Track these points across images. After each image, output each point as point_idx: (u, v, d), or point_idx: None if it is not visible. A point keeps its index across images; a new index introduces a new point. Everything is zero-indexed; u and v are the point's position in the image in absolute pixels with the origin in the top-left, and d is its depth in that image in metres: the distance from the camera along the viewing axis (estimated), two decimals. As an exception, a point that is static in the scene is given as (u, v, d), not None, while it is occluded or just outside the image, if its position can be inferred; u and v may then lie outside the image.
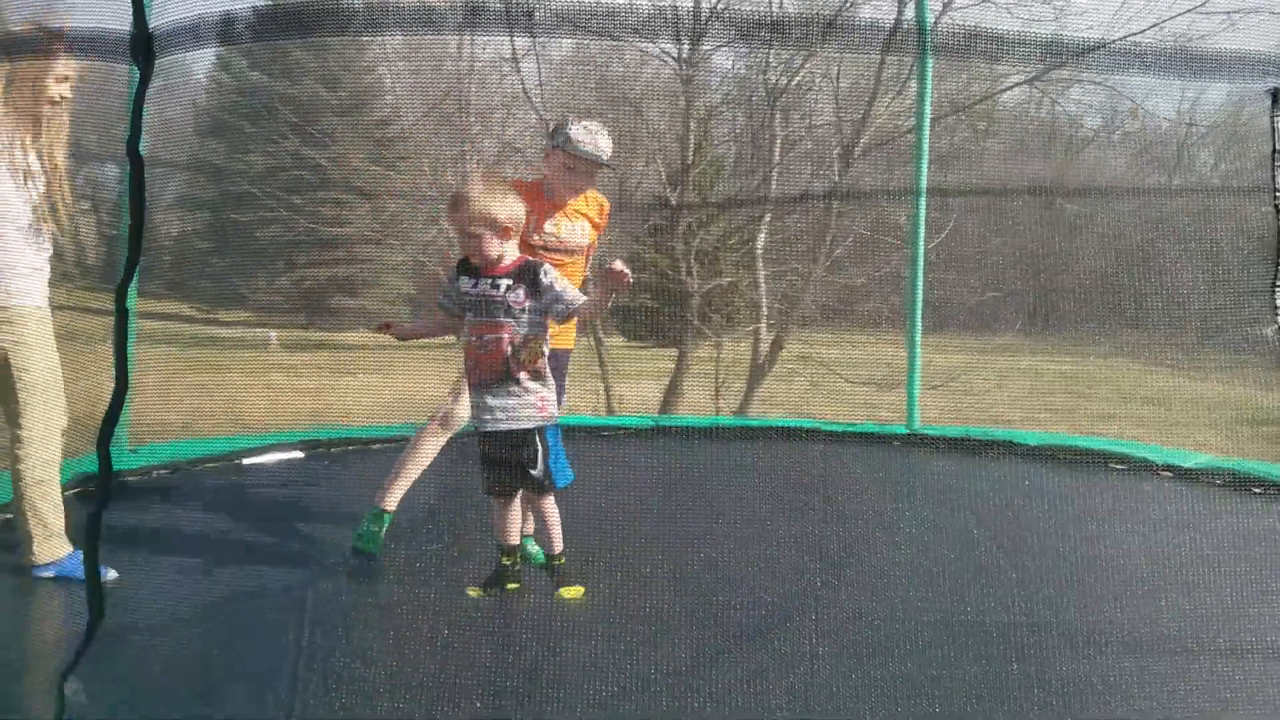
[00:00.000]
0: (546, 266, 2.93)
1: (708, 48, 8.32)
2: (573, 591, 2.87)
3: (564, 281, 2.94)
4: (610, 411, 8.65)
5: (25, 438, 2.99)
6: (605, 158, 3.62)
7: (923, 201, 5.79)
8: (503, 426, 2.80)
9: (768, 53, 8.54)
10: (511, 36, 7.96)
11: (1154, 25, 7.39)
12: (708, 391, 9.08)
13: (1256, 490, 4.14)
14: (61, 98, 3.14)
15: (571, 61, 9.55)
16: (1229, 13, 7.70)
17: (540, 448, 2.84)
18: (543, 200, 3.65)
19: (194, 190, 12.59)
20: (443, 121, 10.35)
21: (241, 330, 12.79)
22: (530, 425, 2.82)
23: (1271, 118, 2.29)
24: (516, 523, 2.90)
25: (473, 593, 2.84)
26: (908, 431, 5.56)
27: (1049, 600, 2.77)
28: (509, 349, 2.83)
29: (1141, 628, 2.57)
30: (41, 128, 3.12)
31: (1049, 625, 2.41)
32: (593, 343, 9.09)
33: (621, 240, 9.92)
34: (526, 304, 2.87)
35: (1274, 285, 2.28)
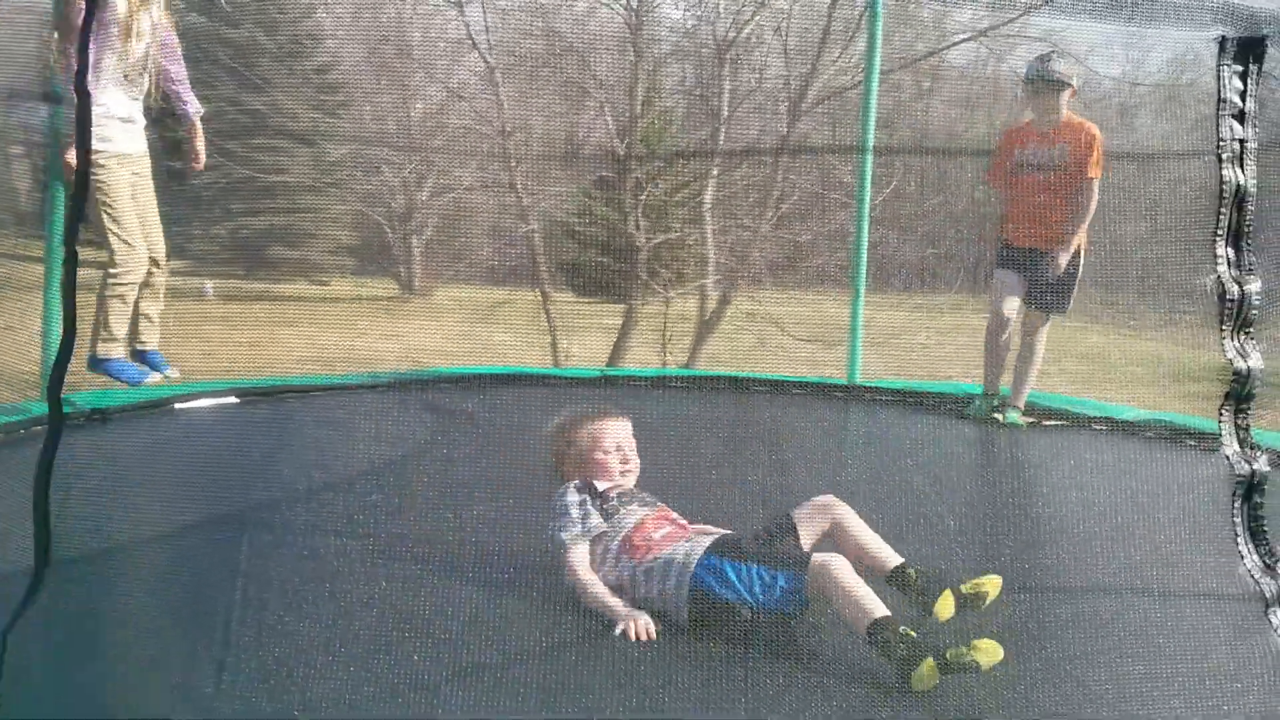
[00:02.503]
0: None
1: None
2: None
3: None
4: (557, 365, 8.64)
5: (109, 261, 3.62)
6: (1058, 77, 4.40)
7: (869, 158, 5.81)
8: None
9: (717, 3, 8.48)
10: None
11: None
12: (655, 347, 9.10)
13: (1191, 444, 4.26)
14: None
15: (518, 7, 9.39)
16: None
17: None
18: (1023, 131, 4.60)
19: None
20: (384, 67, 10.13)
21: (176, 279, 12.49)
22: None
23: (1218, 66, 2.30)
24: None
25: None
26: (848, 384, 5.62)
27: (987, 547, 2.84)
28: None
29: (1078, 575, 2.64)
30: None
31: (988, 573, 2.46)
32: (539, 297, 9.04)
33: (570, 193, 9.85)
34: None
35: (1215, 235, 2.29)
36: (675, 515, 2.62)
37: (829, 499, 2.54)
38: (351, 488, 3.30)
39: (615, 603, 2.33)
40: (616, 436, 2.69)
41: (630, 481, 2.68)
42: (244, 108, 10.35)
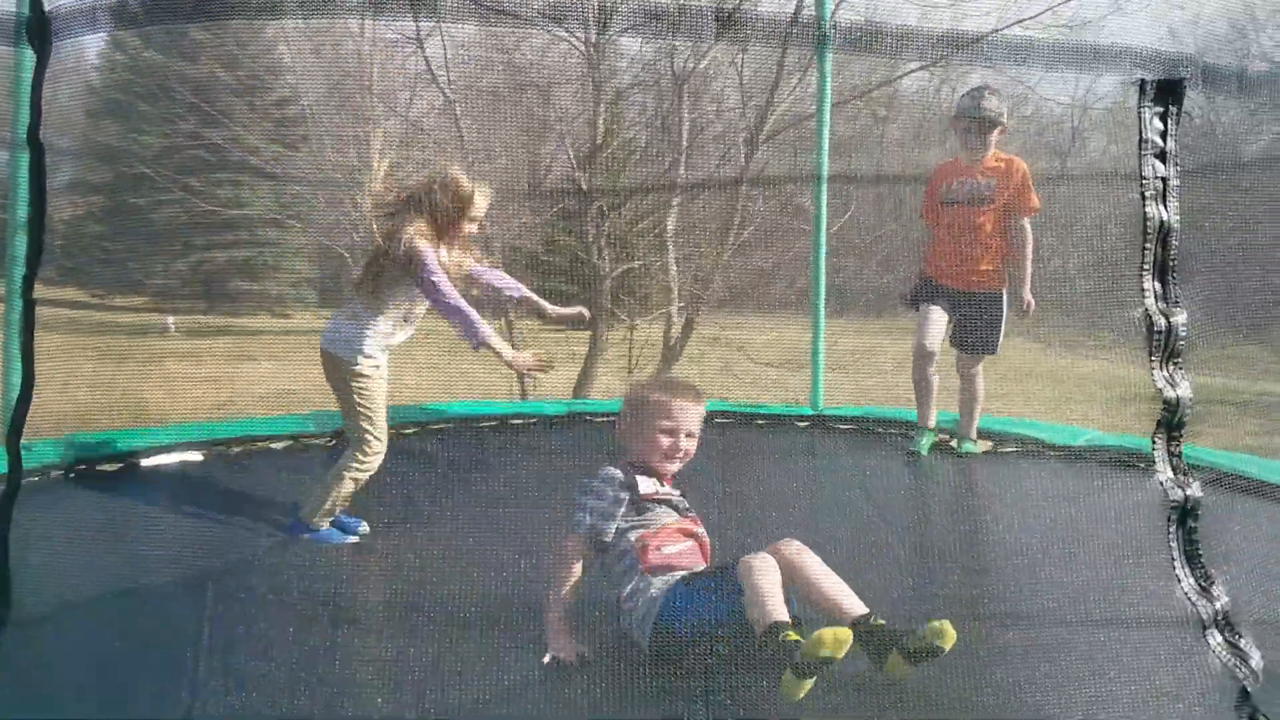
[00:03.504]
0: None
1: (614, 32, 8.33)
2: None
3: None
4: (524, 395, 8.65)
5: (361, 451, 3.60)
6: (989, 115, 4.40)
7: (824, 187, 5.91)
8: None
9: (672, 38, 8.58)
10: (416, 18, 7.85)
11: (1047, 9, 7.69)
12: (621, 375, 9.14)
13: (1140, 465, 4.33)
14: (469, 233, 3.71)
15: (478, 42, 9.45)
16: (1115, -2, 8.05)
17: None
18: (952, 167, 4.58)
19: (87, 173, 12.11)
20: (345, 101, 10.14)
21: (138, 316, 12.39)
22: None
23: (1139, 108, 2.39)
24: None
25: None
26: (813, 412, 5.70)
27: (939, 575, 2.90)
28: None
29: (1027, 601, 2.70)
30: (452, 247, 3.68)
31: (940, 599, 2.52)
32: (504, 326, 9.05)
33: (534, 225, 9.89)
34: None
35: (1141, 269, 2.37)
36: (700, 530, 2.65)
37: (785, 543, 2.50)
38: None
39: (557, 619, 2.41)
40: (681, 418, 2.66)
41: (674, 468, 2.69)
42: (204, 142, 10.32)
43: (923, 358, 4.55)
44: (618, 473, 2.60)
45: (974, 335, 4.53)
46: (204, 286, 13.76)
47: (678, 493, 2.70)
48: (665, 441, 2.64)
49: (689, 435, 2.68)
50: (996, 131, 4.49)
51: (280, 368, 9.60)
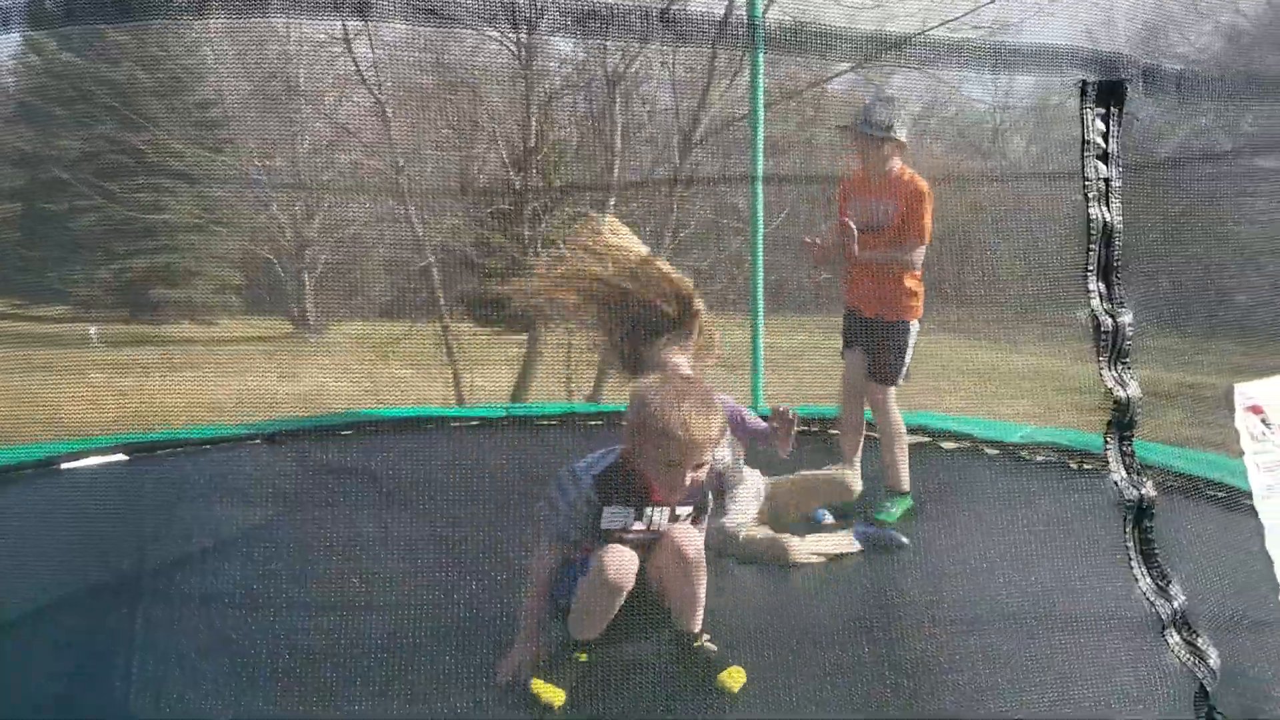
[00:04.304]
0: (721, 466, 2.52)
1: (543, 34, 8.26)
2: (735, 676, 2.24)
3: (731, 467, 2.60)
4: (460, 400, 8.55)
5: None
6: (874, 131, 3.80)
7: (759, 187, 5.92)
8: None
9: (604, 39, 8.53)
10: (344, 18, 7.70)
11: (972, 10, 7.78)
12: (559, 378, 9.08)
13: (1073, 464, 4.40)
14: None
15: (406, 43, 9.30)
16: (1041, -2, 8.19)
17: None
18: (856, 183, 4.03)
19: (1, 179, 11.68)
20: (270, 103, 9.92)
21: (59, 326, 11.97)
22: None
23: (1080, 109, 2.38)
24: None
25: None
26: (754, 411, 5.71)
27: (895, 582, 2.90)
28: None
29: (983, 606, 2.69)
30: None
31: (898, 607, 2.51)
32: (439, 330, 8.94)
33: (467, 225, 9.78)
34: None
35: (1086, 270, 2.35)
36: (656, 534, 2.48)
37: (670, 537, 2.37)
38: (250, 550, 3.20)
39: (528, 633, 2.36)
40: (689, 454, 2.27)
41: (676, 498, 2.38)
42: (124, 147, 10.03)
43: (851, 399, 4.21)
44: (592, 494, 2.34)
45: (877, 363, 4.08)
46: (126, 294, 13.37)
47: (661, 519, 2.40)
48: (669, 475, 2.30)
49: (696, 468, 2.30)
50: (890, 147, 3.87)
51: (210, 376, 9.37)
